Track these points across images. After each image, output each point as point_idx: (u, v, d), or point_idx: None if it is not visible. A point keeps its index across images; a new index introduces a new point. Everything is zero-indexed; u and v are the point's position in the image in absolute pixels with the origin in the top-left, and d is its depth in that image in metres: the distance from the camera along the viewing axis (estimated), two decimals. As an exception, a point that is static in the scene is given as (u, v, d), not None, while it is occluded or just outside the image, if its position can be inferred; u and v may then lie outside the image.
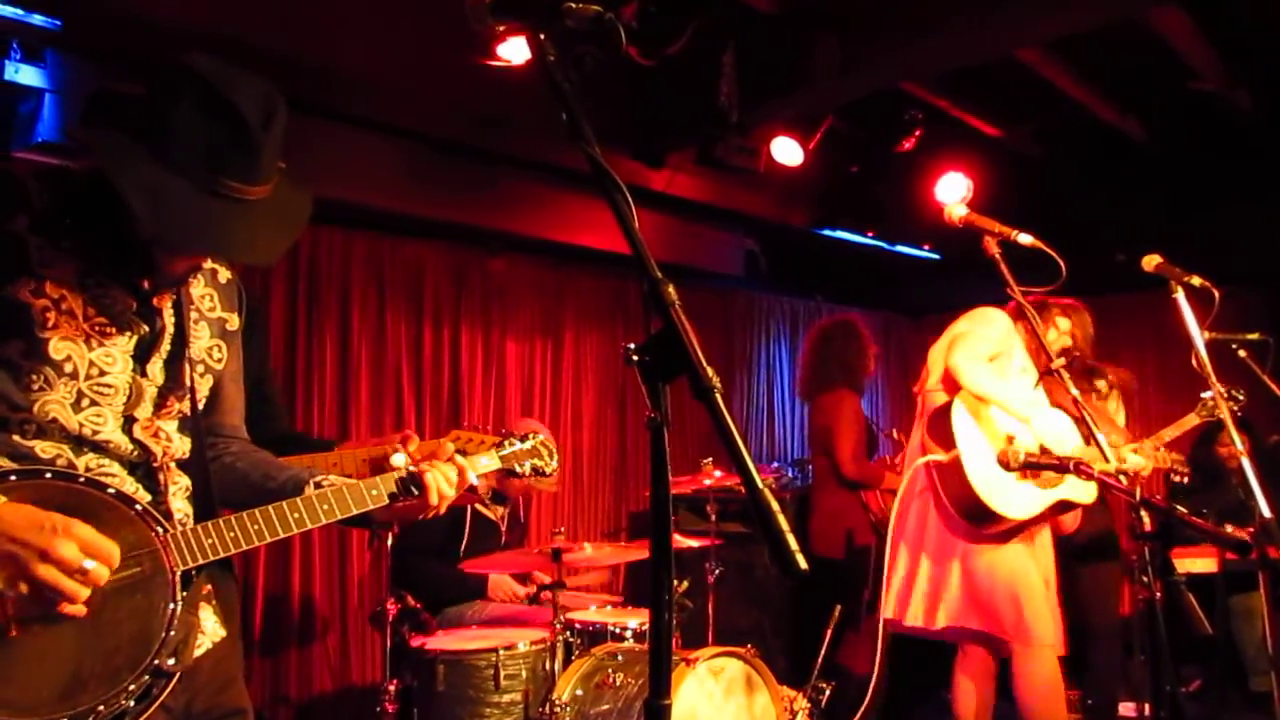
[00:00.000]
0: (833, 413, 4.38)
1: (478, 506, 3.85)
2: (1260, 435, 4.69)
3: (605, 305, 5.44)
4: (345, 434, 4.35)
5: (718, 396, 0.95)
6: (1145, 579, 1.78)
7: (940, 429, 3.01)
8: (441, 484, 1.59)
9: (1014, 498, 2.92)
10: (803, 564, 0.87)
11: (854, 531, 4.34)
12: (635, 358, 0.99)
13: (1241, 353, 3.16)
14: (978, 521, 2.97)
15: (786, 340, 6.66)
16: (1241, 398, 4.07)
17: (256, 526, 1.43)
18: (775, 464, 5.71)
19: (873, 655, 3.06)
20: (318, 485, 1.54)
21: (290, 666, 4.14)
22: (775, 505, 0.92)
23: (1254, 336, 3.20)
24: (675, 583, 3.60)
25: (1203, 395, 4.09)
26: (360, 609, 4.29)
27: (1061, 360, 2.33)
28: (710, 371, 0.97)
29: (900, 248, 6.12)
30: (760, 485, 0.91)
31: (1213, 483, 4.66)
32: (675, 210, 5.07)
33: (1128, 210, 5.83)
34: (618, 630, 3.27)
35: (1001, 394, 2.97)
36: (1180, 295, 2.65)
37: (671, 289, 1.02)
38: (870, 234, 5.89)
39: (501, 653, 3.01)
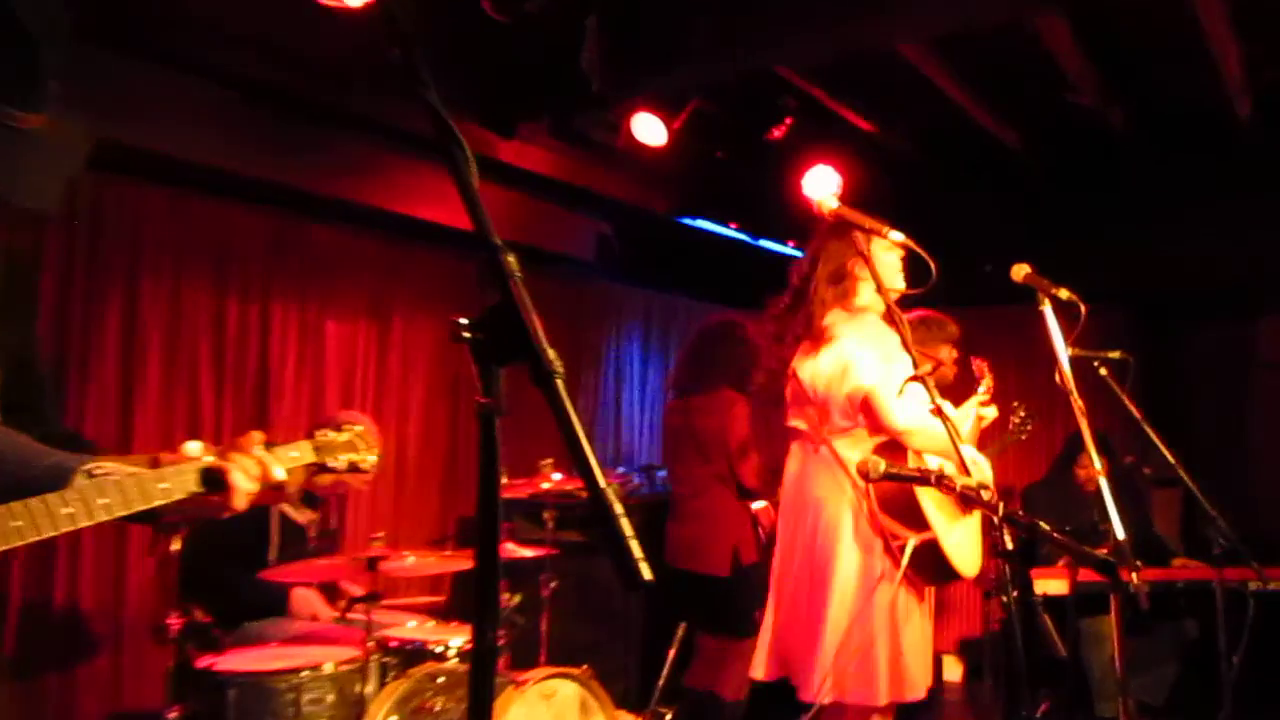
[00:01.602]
0: (724, 416, 4.44)
1: (285, 508, 3.70)
2: (1117, 456, 5.05)
3: (441, 287, 5.25)
4: (128, 427, 4.11)
5: (559, 383, 0.92)
6: (1005, 599, 1.86)
7: (899, 505, 3.06)
8: (241, 478, 1.50)
9: (969, 552, 3.13)
10: (647, 575, 0.85)
11: (740, 547, 4.41)
12: (465, 334, 0.94)
13: (1102, 370, 3.38)
14: (938, 583, 3.18)
15: (639, 336, 6.71)
16: (1024, 414, 4.43)
17: (17, 524, 1.32)
18: (621, 469, 5.74)
19: (745, 680, 3.17)
20: (90, 475, 1.43)
21: (49, 691, 3.88)
22: (619, 508, 0.90)
23: (1115, 355, 3.43)
24: (505, 596, 3.58)
25: (1013, 417, 4.43)
26: (139, 622, 4.07)
27: (928, 366, 2.42)
28: (552, 354, 0.94)
29: (765, 243, 6.26)
30: (603, 485, 0.88)
31: (1070, 504, 4.99)
32: (524, 185, 5.00)
33: (997, 219, 6.18)
34: (439, 649, 3.20)
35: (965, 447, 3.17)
36: (1047, 308, 2.81)
37: (512, 259, 0.98)
38: (734, 226, 5.99)
39: (305, 674, 2.91)
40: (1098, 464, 2.67)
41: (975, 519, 3.18)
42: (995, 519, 1.89)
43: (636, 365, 6.66)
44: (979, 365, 3.73)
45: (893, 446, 3.10)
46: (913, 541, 2.99)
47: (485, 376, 0.96)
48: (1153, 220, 6.09)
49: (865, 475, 2.11)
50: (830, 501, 3.14)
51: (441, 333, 5.23)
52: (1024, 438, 4.62)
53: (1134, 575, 2.48)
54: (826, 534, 3.12)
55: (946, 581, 3.19)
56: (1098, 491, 2.63)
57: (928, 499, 3.05)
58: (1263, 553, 3.75)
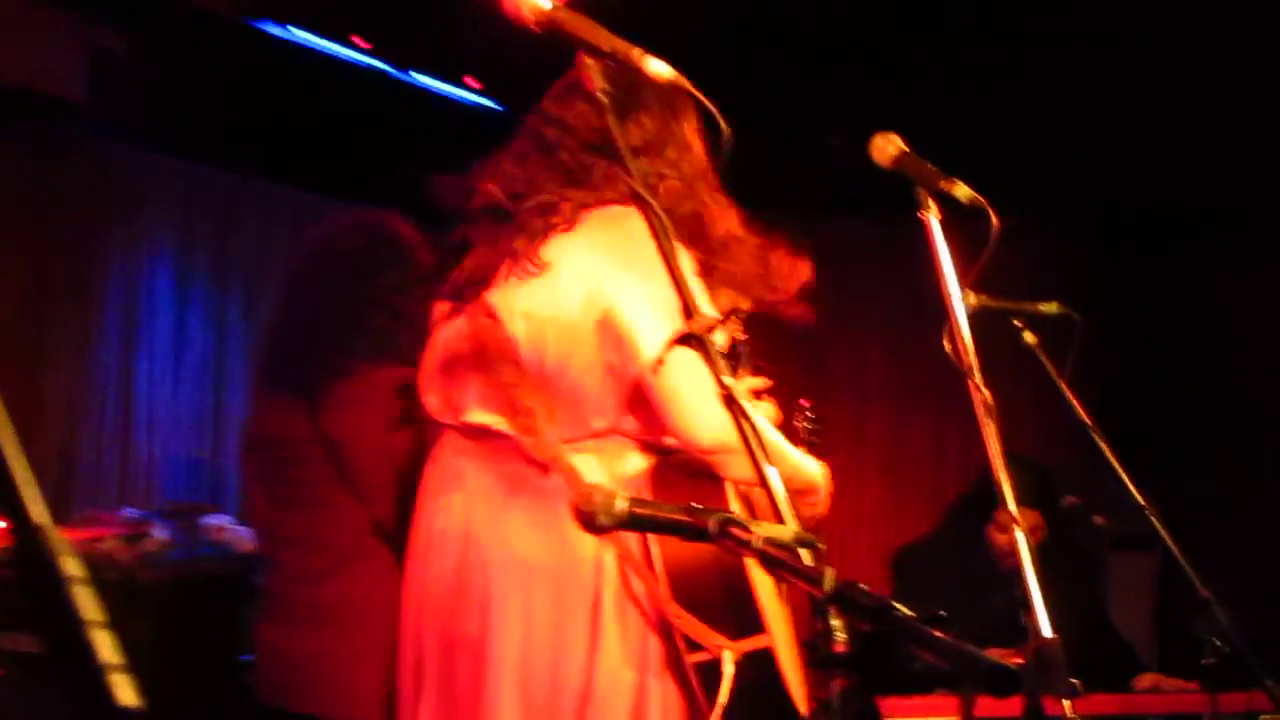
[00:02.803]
0: (379, 411, 4.36)
1: None
2: (1054, 498, 5.43)
3: None
4: None
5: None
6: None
7: (707, 585, 3.17)
8: None
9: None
10: (128, 699, 0.84)
11: None
12: None
13: (1028, 337, 3.62)
14: None
15: (175, 253, 6.70)
16: (811, 415, 4.77)
17: None
18: (130, 512, 5.61)
19: None
20: None
21: None
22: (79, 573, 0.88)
23: (1051, 308, 3.68)
24: None
25: (798, 419, 4.73)
26: None
27: (709, 319, 2.50)
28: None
29: (420, 78, 6.27)
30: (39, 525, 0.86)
31: (974, 580, 5.38)
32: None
33: (860, 78, 6.47)
34: None
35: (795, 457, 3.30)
36: (933, 219, 2.97)
37: None
38: (364, 45, 5.94)
39: None
40: (1017, 518, 2.84)
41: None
42: (819, 598, 1.97)
43: (168, 311, 6.65)
44: (733, 327, 3.89)
45: (677, 473, 3.23)
46: (730, 659, 3.09)
47: None
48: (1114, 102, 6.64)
49: (587, 516, 2.16)
50: (558, 577, 3.20)
51: None
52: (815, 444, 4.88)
53: (1066, 703, 2.68)
54: (550, 644, 3.18)
55: None
56: (1018, 559, 2.82)
57: (763, 576, 3.18)
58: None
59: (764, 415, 3.63)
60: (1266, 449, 7.65)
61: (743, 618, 3.15)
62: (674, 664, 3.18)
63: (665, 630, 3.18)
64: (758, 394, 3.70)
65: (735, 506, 3.18)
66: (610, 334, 3.18)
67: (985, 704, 4.88)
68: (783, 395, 3.97)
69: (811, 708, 3.44)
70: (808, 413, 4.72)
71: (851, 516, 7.48)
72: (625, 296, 3.17)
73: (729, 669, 3.06)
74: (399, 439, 4.37)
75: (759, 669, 3.15)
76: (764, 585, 3.22)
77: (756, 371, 3.83)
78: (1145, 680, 5.51)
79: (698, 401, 3.06)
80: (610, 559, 3.19)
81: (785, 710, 3.20)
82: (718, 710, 3.06)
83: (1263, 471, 7.56)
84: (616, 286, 3.18)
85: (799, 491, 3.25)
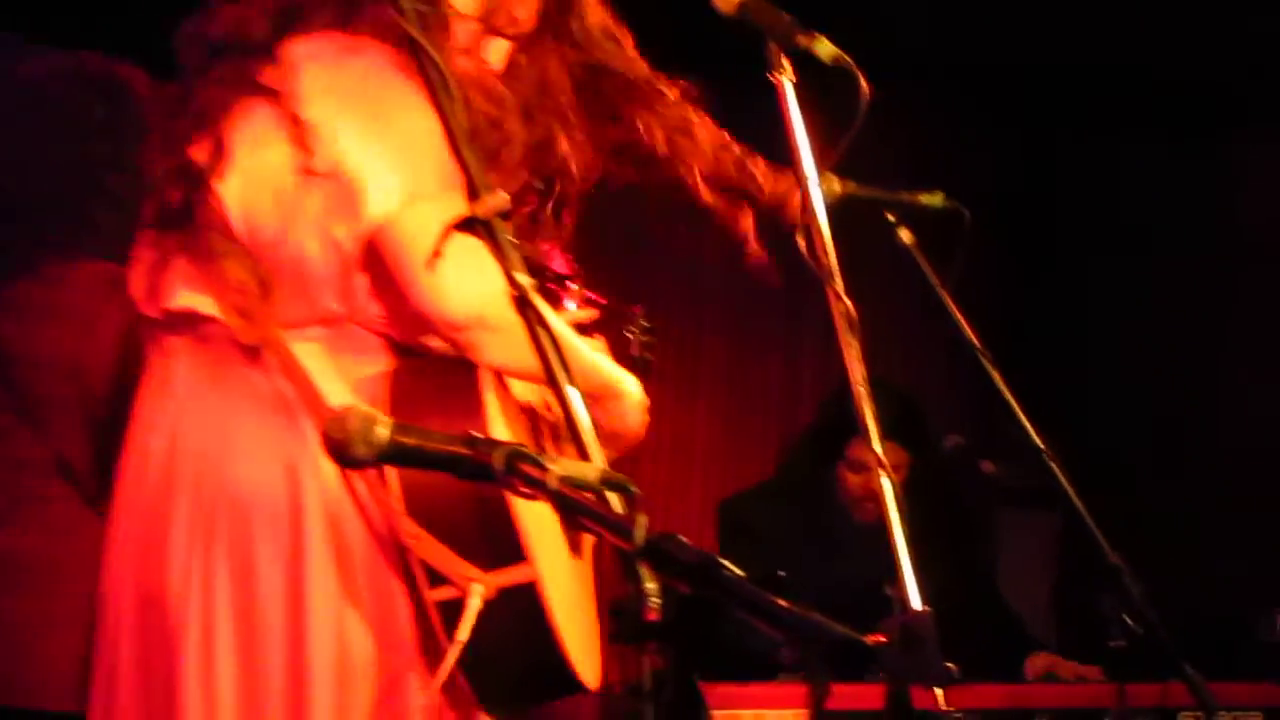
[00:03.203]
0: (89, 324, 4.30)
1: None
2: (931, 439, 5.49)
3: None
4: None
5: None
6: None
7: (455, 506, 3.11)
8: None
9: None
10: None
11: None
12: None
13: (903, 233, 3.64)
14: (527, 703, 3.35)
15: None
16: (645, 324, 4.76)
17: None
18: None
19: None
20: None
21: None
22: None
23: (933, 200, 3.70)
24: None
25: (630, 329, 4.72)
26: None
27: (499, 199, 2.48)
28: None
29: None
30: None
31: (824, 539, 5.43)
32: None
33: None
34: None
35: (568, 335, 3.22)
36: (786, 79, 2.98)
37: None
38: None
39: None
40: (881, 457, 2.85)
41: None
42: (629, 552, 1.96)
43: None
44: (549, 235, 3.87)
45: (436, 376, 3.22)
46: (478, 593, 3.09)
47: None
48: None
49: (339, 445, 2.14)
50: (275, 492, 3.17)
51: None
52: (648, 361, 4.87)
53: (939, 691, 2.70)
54: (270, 575, 3.16)
55: (546, 698, 3.39)
56: (882, 519, 2.83)
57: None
58: (1217, 644, 4.21)
59: (580, 317, 3.64)
60: (1194, 383, 7.82)
61: (500, 544, 3.12)
62: (409, 602, 3.16)
63: (399, 558, 3.17)
64: (585, 328, 3.68)
65: (501, 429, 3.13)
66: (340, 194, 3.16)
67: (841, 695, 5.02)
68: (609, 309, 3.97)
69: (609, 687, 3.46)
70: (641, 320, 4.70)
71: (680, 459, 7.42)
72: (360, 147, 3.15)
73: (474, 603, 3.04)
74: (96, 352, 4.31)
75: (520, 610, 3.14)
76: (537, 511, 3.19)
77: (586, 302, 3.82)
78: (1038, 664, 5.60)
79: (445, 267, 3.04)
80: (329, 466, 3.13)
81: (549, 663, 3.19)
82: (454, 648, 3.03)
83: (1189, 405, 7.71)
84: (347, 135, 3.16)
85: (596, 397, 3.27)
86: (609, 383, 3.45)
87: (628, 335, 4.60)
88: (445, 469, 2.35)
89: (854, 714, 4.73)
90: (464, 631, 3.00)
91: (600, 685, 3.43)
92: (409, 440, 2.23)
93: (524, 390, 3.49)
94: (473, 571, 3.08)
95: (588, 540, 3.56)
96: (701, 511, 7.09)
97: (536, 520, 3.13)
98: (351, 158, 3.14)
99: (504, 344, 3.03)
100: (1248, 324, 7.90)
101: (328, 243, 3.17)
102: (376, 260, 3.16)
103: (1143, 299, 7.99)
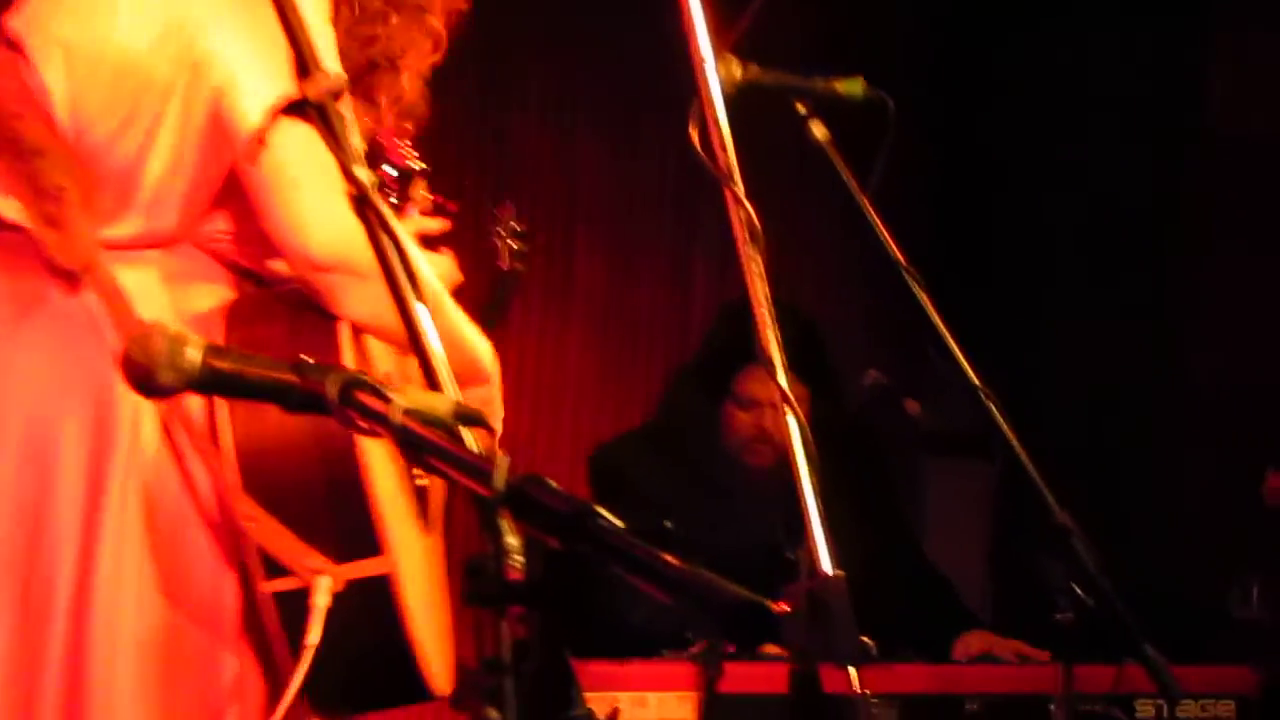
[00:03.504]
0: None
1: None
2: (839, 375, 5.52)
3: None
4: None
5: None
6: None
7: (299, 470, 3.14)
8: None
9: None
10: None
11: None
12: None
13: (816, 127, 3.65)
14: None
15: None
16: (517, 227, 4.75)
17: None
18: None
19: None
20: None
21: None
22: None
23: (853, 88, 3.72)
24: None
25: (500, 233, 4.71)
26: None
27: (332, 79, 2.47)
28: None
29: None
30: None
31: (715, 490, 5.47)
32: None
33: None
34: None
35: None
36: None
37: None
38: None
39: None
40: (785, 386, 2.87)
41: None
42: (487, 499, 1.96)
43: None
44: (390, 126, 3.86)
45: (285, 313, 3.23)
46: (325, 589, 3.11)
47: None
48: None
49: (140, 369, 2.13)
50: (72, 435, 3.17)
51: None
52: (519, 270, 4.84)
53: (852, 672, 2.72)
54: (58, 525, 3.16)
55: (389, 704, 3.41)
56: (783, 466, 2.84)
57: (384, 461, 3.18)
58: (1183, 620, 4.23)
59: (441, 271, 3.62)
60: (1159, 306, 7.89)
61: (353, 531, 3.15)
62: (240, 592, 3.18)
63: (230, 539, 3.17)
64: (431, 242, 3.68)
65: (349, 358, 3.12)
66: (199, 92, 3.14)
67: (737, 675, 5.08)
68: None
69: (463, 677, 3.46)
70: (511, 223, 4.68)
71: (547, 398, 7.40)
72: (227, 40, 3.13)
73: (322, 601, 3.06)
74: None
75: (370, 608, 3.16)
76: (392, 487, 3.21)
77: (436, 211, 3.81)
78: (971, 642, 5.65)
79: (312, 195, 3.04)
80: (150, 424, 3.15)
81: (397, 667, 3.23)
82: (304, 656, 3.05)
83: (1155, 334, 7.78)
84: (215, 25, 3.14)
85: (458, 374, 3.23)
86: (471, 353, 3.46)
87: (494, 242, 4.55)
88: (269, 399, 2.33)
89: (751, 698, 4.79)
90: (314, 634, 3.02)
91: (453, 691, 3.45)
92: (225, 365, 2.21)
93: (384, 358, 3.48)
94: (319, 562, 3.10)
95: (436, 505, 3.58)
96: (572, 459, 7.08)
97: (392, 502, 3.15)
98: (220, 59, 3.13)
99: (371, 294, 2.99)
100: (1211, 217, 7.97)
101: (176, 151, 3.15)
102: (232, 177, 3.15)
103: (1097, 200, 8.02)
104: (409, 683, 3.25)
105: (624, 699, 4.85)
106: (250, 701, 3.25)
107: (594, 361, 8.06)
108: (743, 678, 4.61)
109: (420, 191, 3.80)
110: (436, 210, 3.78)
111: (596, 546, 1.89)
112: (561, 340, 7.88)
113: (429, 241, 3.70)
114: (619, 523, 1.87)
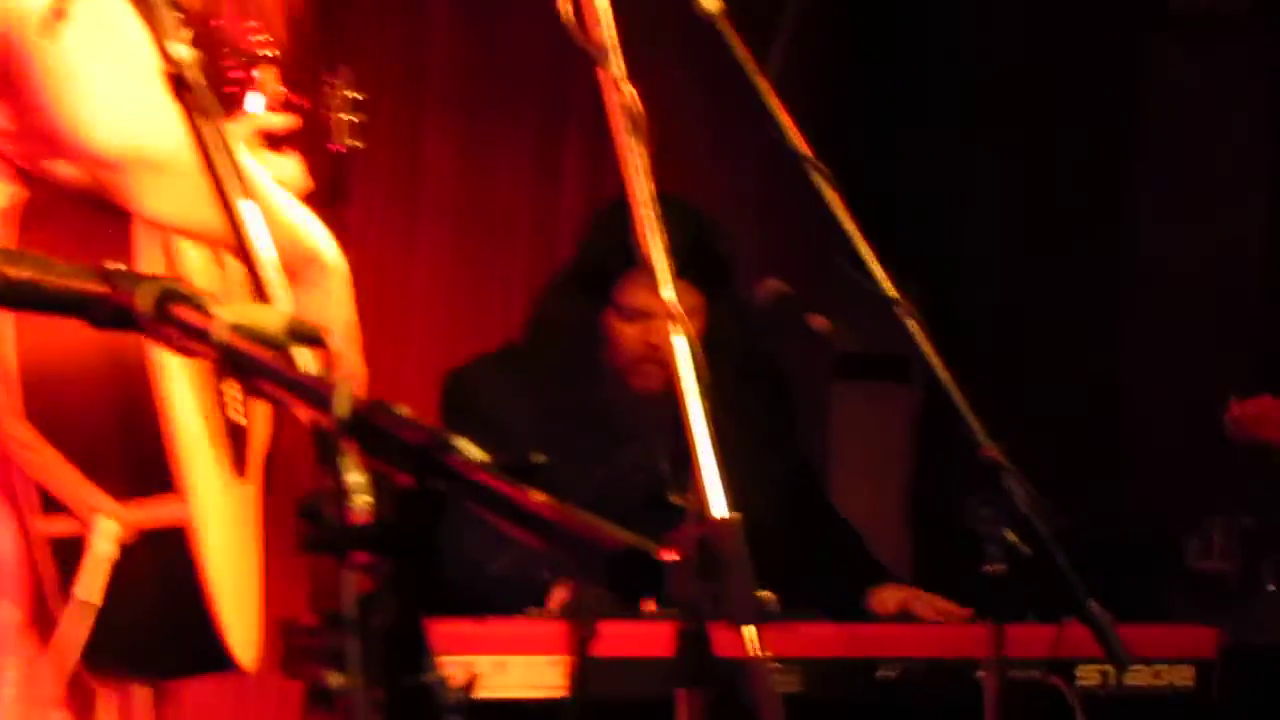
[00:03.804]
0: None
1: None
2: (728, 268, 5.57)
3: None
4: None
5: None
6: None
7: (87, 395, 3.15)
8: None
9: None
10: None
11: None
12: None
13: (752, 72, 3.70)
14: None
15: None
16: (357, 96, 4.77)
17: None
18: None
19: None
20: None
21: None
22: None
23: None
24: None
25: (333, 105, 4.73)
26: None
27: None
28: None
29: None
30: None
31: (594, 415, 5.55)
32: None
33: None
34: None
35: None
36: None
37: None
38: None
39: None
40: (673, 304, 2.92)
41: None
42: (326, 428, 2.00)
43: None
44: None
45: (63, 218, 3.23)
46: (107, 535, 3.13)
47: None
48: None
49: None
50: None
51: None
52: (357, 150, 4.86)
53: (749, 631, 2.77)
54: None
55: (180, 673, 3.49)
56: (670, 390, 2.90)
57: (188, 392, 3.22)
58: (1134, 572, 4.28)
59: (286, 174, 3.64)
60: (1102, 212, 7.97)
61: (141, 465, 3.17)
62: (20, 531, 3.18)
63: (4, 470, 3.16)
64: (277, 141, 3.70)
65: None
66: None
67: (613, 636, 5.16)
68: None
69: (296, 637, 3.48)
70: (345, 91, 4.67)
71: (392, 312, 7.36)
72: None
73: (104, 547, 3.09)
74: None
75: (162, 562, 3.19)
76: (196, 423, 3.24)
77: (283, 104, 3.82)
78: (888, 598, 5.72)
79: (99, 76, 3.05)
80: None
81: (192, 633, 3.26)
82: (74, 611, 3.09)
83: (1100, 243, 7.87)
84: None
85: (290, 268, 3.19)
86: (304, 244, 3.44)
87: (323, 113, 4.54)
88: (71, 311, 2.35)
89: (629, 662, 4.83)
90: (86, 589, 3.04)
91: (257, 666, 3.48)
92: (19, 272, 2.24)
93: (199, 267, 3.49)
94: (100, 499, 3.12)
95: (257, 450, 3.61)
96: (421, 384, 7.06)
97: (196, 439, 3.17)
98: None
99: (172, 190, 3.02)
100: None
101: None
102: (13, 67, 3.12)
103: (1037, 94, 8.08)
104: (206, 650, 3.28)
105: (483, 663, 4.87)
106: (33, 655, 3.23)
107: (445, 268, 7.93)
108: (620, 638, 4.65)
109: (272, 84, 3.80)
110: (285, 105, 3.78)
111: (455, 483, 1.92)
112: (408, 243, 7.80)
113: (274, 141, 3.71)
114: (481, 455, 1.89)
